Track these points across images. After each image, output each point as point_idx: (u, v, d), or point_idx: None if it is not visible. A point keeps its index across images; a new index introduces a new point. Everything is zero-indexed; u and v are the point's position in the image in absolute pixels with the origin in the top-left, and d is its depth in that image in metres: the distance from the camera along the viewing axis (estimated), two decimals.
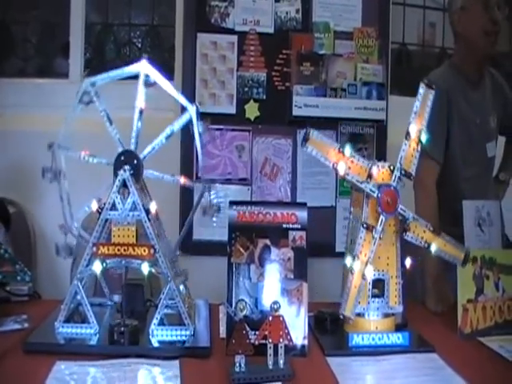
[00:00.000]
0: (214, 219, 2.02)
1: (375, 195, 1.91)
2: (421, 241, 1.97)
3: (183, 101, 1.99)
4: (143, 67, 1.96)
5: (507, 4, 2.76)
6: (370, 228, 1.92)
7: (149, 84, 1.97)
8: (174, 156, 3.41)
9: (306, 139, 1.90)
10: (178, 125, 1.99)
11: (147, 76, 1.96)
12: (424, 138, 1.99)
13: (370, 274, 1.90)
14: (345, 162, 1.90)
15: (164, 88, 1.98)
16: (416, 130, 1.98)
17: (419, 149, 2.00)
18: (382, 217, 1.91)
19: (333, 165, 1.90)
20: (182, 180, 2.04)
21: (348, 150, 1.90)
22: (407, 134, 1.98)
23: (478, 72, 2.79)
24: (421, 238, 1.97)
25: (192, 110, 1.97)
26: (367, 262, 1.90)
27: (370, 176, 1.91)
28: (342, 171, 1.90)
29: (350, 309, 1.90)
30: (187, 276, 2.08)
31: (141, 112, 1.96)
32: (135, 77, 1.98)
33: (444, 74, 2.78)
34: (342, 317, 1.91)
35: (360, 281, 1.90)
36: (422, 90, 2.01)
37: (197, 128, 1.97)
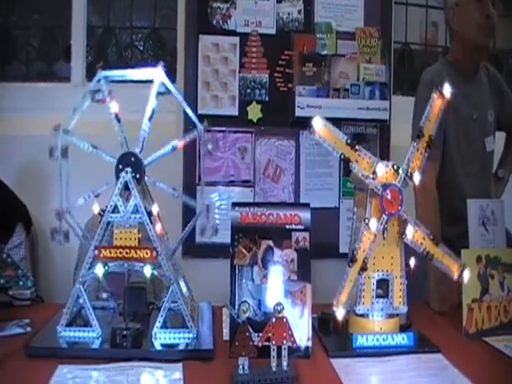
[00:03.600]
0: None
1: (379, 193, 1.89)
2: (420, 247, 1.96)
3: (193, 117, 1.98)
4: (159, 75, 1.96)
5: (503, 0, 2.77)
6: (371, 228, 1.91)
7: (161, 93, 1.97)
8: (177, 157, 3.40)
9: (311, 129, 1.90)
10: (183, 140, 1.98)
11: (161, 84, 1.96)
12: (431, 144, 2.00)
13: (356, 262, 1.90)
14: (351, 155, 1.90)
15: (177, 99, 1.97)
16: (426, 134, 1.98)
17: (426, 154, 2.00)
18: (383, 215, 1.90)
19: (340, 155, 1.90)
20: (184, 197, 2.04)
21: (356, 143, 1.91)
22: (416, 137, 1.98)
23: (473, 67, 2.80)
24: (420, 244, 1.96)
25: (200, 130, 1.97)
26: (365, 258, 1.90)
27: (374, 172, 1.90)
28: (349, 162, 1.90)
29: (342, 302, 1.88)
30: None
31: (151, 115, 1.96)
32: (143, 81, 1.98)
33: (439, 70, 2.78)
34: (334, 309, 1.89)
35: (356, 274, 1.89)
36: (434, 95, 2.02)
37: (202, 144, 1.97)
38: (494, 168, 3.00)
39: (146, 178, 1.95)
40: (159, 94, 1.97)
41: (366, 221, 1.91)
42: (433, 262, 1.98)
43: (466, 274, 2.01)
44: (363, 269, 1.90)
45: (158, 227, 1.92)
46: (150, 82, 1.96)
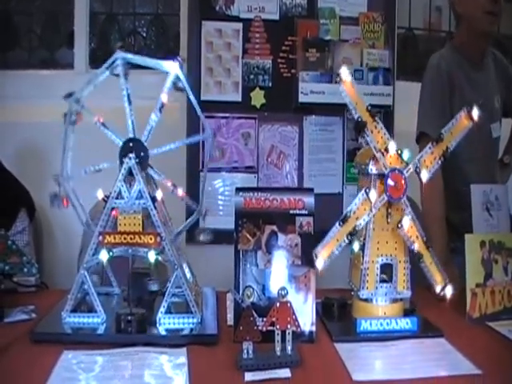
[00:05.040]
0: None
1: (386, 172, 1.89)
2: (411, 244, 1.95)
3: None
4: (175, 68, 1.96)
5: None
6: (370, 199, 1.90)
7: (178, 88, 1.97)
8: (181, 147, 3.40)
9: (341, 78, 1.90)
10: (190, 141, 2.04)
11: (176, 79, 1.96)
12: (447, 155, 2.01)
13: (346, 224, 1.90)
14: (369, 122, 1.90)
15: (189, 97, 1.98)
16: (445, 144, 2.00)
17: (440, 162, 2.01)
18: (385, 196, 1.90)
19: (358, 117, 1.90)
20: (180, 192, 2.03)
21: (375, 110, 1.92)
22: (436, 141, 1.99)
23: (480, 53, 2.78)
24: (412, 242, 1.95)
25: (209, 134, 2.00)
26: (355, 226, 1.89)
27: (386, 149, 1.90)
28: (366, 125, 1.90)
29: (323, 255, 1.86)
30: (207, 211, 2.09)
31: (161, 107, 1.96)
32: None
33: (445, 55, 2.77)
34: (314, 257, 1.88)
35: (343, 236, 1.89)
36: (463, 113, 2.04)
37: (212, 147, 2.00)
38: (499, 154, 2.98)
39: (149, 169, 1.96)
40: (178, 89, 1.97)
41: (367, 190, 1.90)
42: (420, 265, 1.97)
43: (449, 291, 2.03)
44: (351, 234, 1.89)
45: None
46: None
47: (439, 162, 2.00)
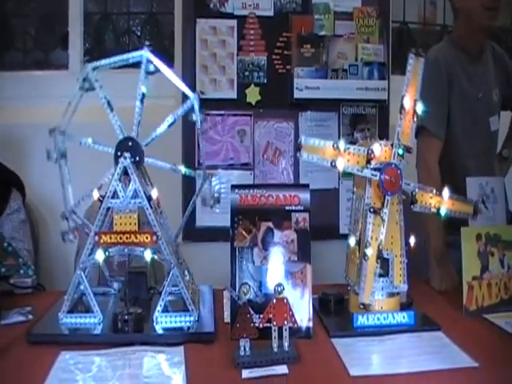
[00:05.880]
0: (217, 210, 2.01)
1: (377, 178, 1.89)
2: (430, 207, 1.98)
3: (185, 89, 1.98)
4: (145, 55, 1.96)
5: None
6: (377, 211, 1.90)
7: (150, 72, 1.97)
8: (176, 143, 3.40)
9: (298, 148, 1.90)
10: (180, 113, 1.98)
11: (149, 62, 1.95)
12: (420, 108, 1.98)
13: (340, 165, 1.89)
14: (342, 156, 1.89)
15: (166, 75, 1.97)
16: (410, 101, 1.96)
17: (415, 120, 1.99)
18: (387, 197, 1.90)
19: (331, 163, 1.89)
20: (183, 169, 2.03)
21: (342, 144, 1.88)
22: (401, 108, 1.96)
23: (478, 46, 2.77)
24: (429, 205, 1.98)
25: (193, 98, 1.96)
26: (379, 245, 1.89)
27: (368, 161, 1.89)
28: (340, 167, 1.88)
29: (367, 296, 1.90)
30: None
31: (142, 97, 1.96)
32: (137, 66, 1.98)
33: (443, 49, 2.76)
34: (361, 306, 1.90)
35: (374, 266, 1.90)
36: (411, 60, 2.00)
37: (198, 115, 1.97)
38: (498, 148, 2.98)
39: (145, 159, 1.96)
40: (148, 73, 1.97)
41: (371, 209, 1.91)
42: (445, 215, 2.01)
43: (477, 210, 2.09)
44: (379, 257, 1.90)
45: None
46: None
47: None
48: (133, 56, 1.98)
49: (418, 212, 1.99)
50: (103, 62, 2.00)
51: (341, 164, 1.87)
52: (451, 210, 2.01)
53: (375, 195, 1.93)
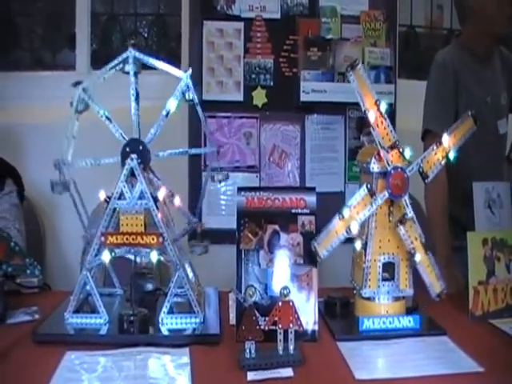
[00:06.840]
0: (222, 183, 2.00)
1: (389, 169, 1.89)
2: (440, 162, 1.99)
3: (174, 71, 1.99)
4: (131, 53, 1.96)
5: None
6: (372, 194, 1.90)
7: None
8: (182, 144, 3.40)
9: (352, 66, 1.89)
10: (174, 97, 1.98)
11: (135, 62, 1.96)
12: (452, 155, 2.01)
13: (355, 228, 1.87)
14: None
15: (153, 65, 1.99)
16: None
17: (443, 163, 2.01)
18: (386, 193, 1.90)
19: (364, 110, 1.90)
20: (177, 202, 2.06)
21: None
22: (440, 143, 1.98)
23: (487, 50, 2.77)
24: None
25: (185, 76, 1.98)
26: (353, 219, 1.88)
27: (392, 147, 1.90)
28: (355, 230, 1.87)
29: (322, 246, 1.88)
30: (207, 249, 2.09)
31: (137, 97, 1.97)
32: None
33: (451, 52, 2.76)
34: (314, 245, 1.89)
35: (343, 229, 1.88)
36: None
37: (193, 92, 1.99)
38: (506, 151, 2.98)
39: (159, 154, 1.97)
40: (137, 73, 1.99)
41: (368, 185, 1.90)
42: (417, 267, 1.95)
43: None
44: (350, 229, 1.88)
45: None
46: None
47: (442, 163, 2.00)
48: (119, 60, 1.98)
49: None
50: (90, 79, 2.01)
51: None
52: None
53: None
